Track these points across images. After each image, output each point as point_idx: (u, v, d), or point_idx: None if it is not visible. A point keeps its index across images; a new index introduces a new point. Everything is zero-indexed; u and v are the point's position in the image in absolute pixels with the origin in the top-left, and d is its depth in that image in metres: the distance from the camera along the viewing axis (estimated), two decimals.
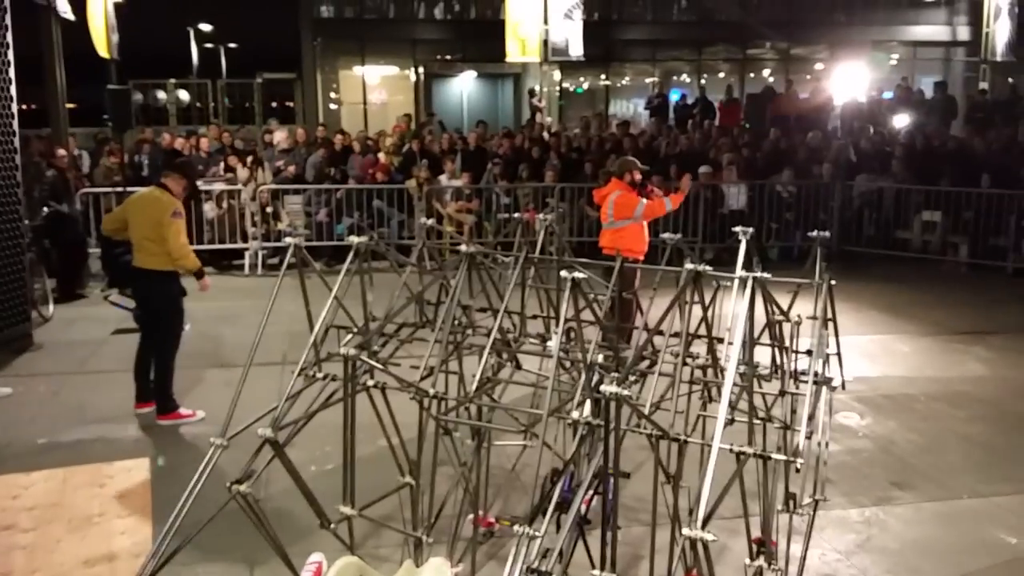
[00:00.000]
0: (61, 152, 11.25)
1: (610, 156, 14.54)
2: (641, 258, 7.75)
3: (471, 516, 4.23)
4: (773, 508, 3.55)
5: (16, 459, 6.06)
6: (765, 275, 3.30)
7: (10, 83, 1.39)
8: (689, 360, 4.02)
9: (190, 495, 3.42)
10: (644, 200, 7.84)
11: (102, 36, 14.40)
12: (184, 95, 24.88)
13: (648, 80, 23.93)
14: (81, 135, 15.93)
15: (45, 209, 10.42)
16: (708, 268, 3.53)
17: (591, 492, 3.86)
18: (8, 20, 1.40)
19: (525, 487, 5.23)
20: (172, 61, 26.70)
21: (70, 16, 12.38)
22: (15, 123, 1.40)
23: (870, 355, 8.61)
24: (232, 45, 31.86)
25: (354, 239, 3.96)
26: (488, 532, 4.68)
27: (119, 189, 11.77)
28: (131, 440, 6.50)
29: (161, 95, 24.44)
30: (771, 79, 22.70)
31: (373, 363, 3.72)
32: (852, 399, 7.26)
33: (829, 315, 4.17)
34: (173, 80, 24.71)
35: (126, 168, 11.98)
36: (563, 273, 3.08)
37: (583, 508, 3.81)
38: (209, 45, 31.59)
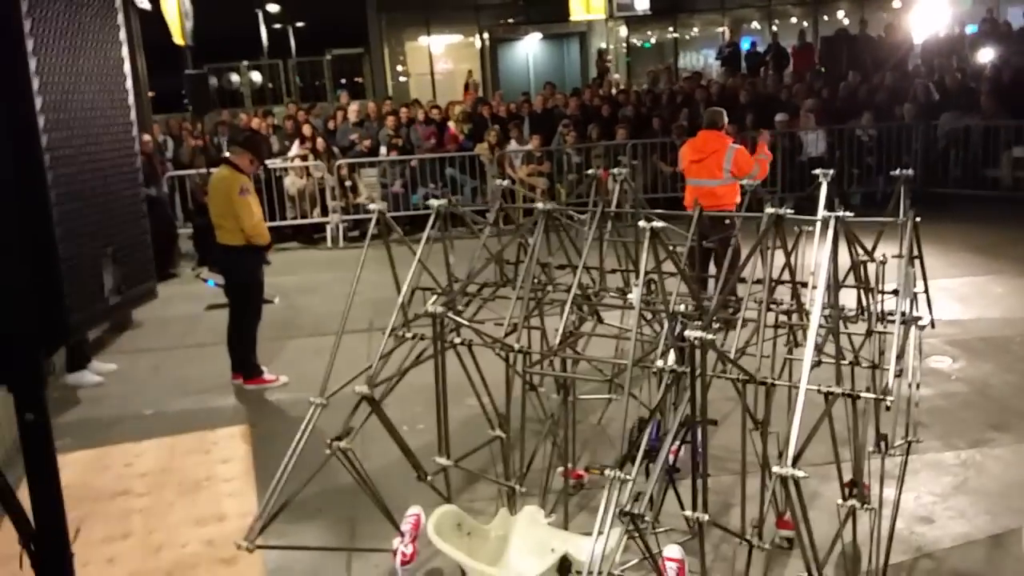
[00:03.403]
0: (147, 138, 11.68)
1: (681, 109, 14.33)
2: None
3: (560, 469, 4.33)
4: (864, 450, 3.53)
5: (127, 430, 6.41)
6: (847, 214, 3.25)
7: (125, 78, 1.51)
8: (773, 306, 4.00)
9: (293, 454, 3.59)
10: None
11: (176, 24, 14.74)
12: (256, 76, 25.35)
13: (718, 30, 23.34)
14: (162, 121, 16.44)
15: None
16: (789, 211, 3.50)
17: (678, 441, 3.90)
18: (121, 18, 1.51)
19: (612, 440, 5.30)
20: (243, 43, 27.18)
21: (147, 6, 12.74)
22: (131, 99, 1.51)
23: (962, 298, 8.36)
24: (300, 24, 32.25)
25: (434, 203, 4.05)
26: (578, 484, 4.77)
27: (203, 171, 12.17)
28: (230, 408, 6.82)
29: (235, 78, 24.97)
30: (846, 21, 21.90)
31: (460, 320, 3.82)
32: (944, 343, 7.08)
33: (915, 253, 4.08)
34: (245, 62, 25.18)
35: (209, 150, 12.35)
36: (641, 223, 3.10)
37: (671, 458, 3.86)
38: (278, 25, 32.04)
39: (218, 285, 8.78)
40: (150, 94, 13.71)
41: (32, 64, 1.45)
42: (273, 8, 31.33)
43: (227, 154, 7.05)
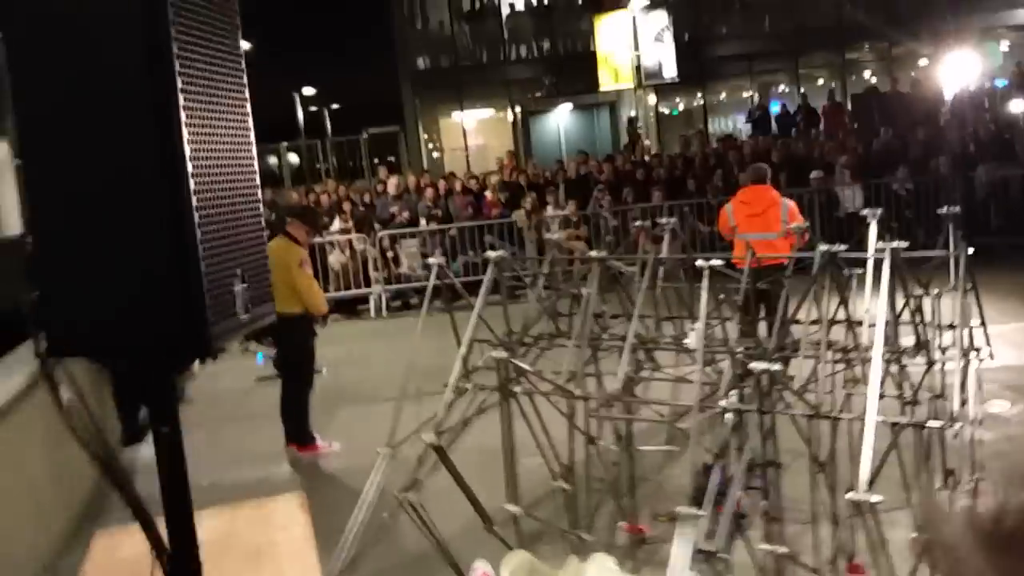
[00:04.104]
0: None
1: (715, 171, 14.49)
2: None
3: (622, 524, 4.32)
4: (932, 485, 3.50)
5: None
6: (900, 244, 3.30)
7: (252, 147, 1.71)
8: (830, 345, 4.01)
9: (363, 504, 3.64)
10: None
11: None
12: (294, 158, 26.08)
13: (745, 95, 23.69)
14: None
15: None
16: (842, 247, 3.56)
17: (745, 487, 3.89)
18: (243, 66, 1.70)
19: (672, 496, 5.27)
20: (280, 126, 28.07)
21: None
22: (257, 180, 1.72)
23: (1016, 344, 8.25)
24: (335, 106, 33.26)
25: (491, 254, 4.17)
26: (640, 539, 4.74)
27: None
28: (285, 476, 6.87)
29: (272, 160, 25.71)
30: (873, 80, 22.13)
31: (523, 365, 3.89)
32: (1002, 387, 6.97)
33: (969, 285, 4.10)
34: (284, 144, 25.94)
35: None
36: (699, 262, 3.18)
37: (739, 503, 3.84)
38: (313, 108, 33.06)
39: (267, 358, 8.95)
40: None
41: (181, 99, 1.62)
42: (309, 91, 32.44)
43: (287, 227, 7.30)
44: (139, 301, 1.67)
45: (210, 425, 8.39)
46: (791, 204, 7.65)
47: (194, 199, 1.62)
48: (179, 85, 1.60)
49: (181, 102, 1.59)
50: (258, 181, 1.99)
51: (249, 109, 1.96)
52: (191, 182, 1.61)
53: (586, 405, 3.82)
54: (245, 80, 1.98)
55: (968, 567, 0.48)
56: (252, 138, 1.98)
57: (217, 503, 6.38)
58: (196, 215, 1.63)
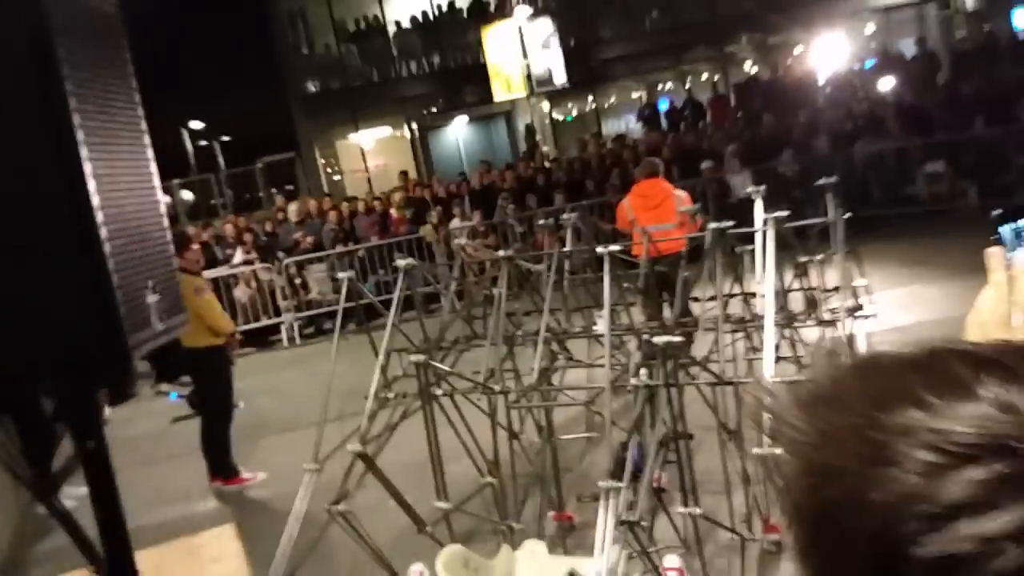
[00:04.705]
0: None
1: (612, 170, 14.88)
2: None
3: (551, 513, 4.46)
4: None
5: None
6: (781, 214, 3.54)
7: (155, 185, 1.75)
8: (728, 318, 4.24)
9: (292, 521, 3.67)
10: None
11: None
12: (188, 194, 25.47)
13: (635, 95, 24.33)
14: None
15: None
16: (729, 223, 3.78)
17: (661, 460, 4.07)
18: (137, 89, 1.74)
19: (595, 482, 5.43)
20: (171, 163, 27.42)
21: None
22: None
23: (902, 306, 8.77)
24: (226, 138, 32.63)
25: (401, 262, 4.25)
26: (569, 526, 4.88)
27: None
28: (213, 511, 6.77)
29: (166, 198, 25.07)
30: (754, 69, 23.04)
31: (441, 367, 3.98)
32: (894, 345, 7.39)
33: (849, 250, 4.39)
34: (176, 181, 25.31)
35: None
36: (599, 249, 3.34)
37: (656, 477, 4.02)
38: (204, 142, 32.37)
39: (180, 397, 8.78)
40: None
41: (76, 118, 1.68)
42: (197, 125, 31.74)
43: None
44: (52, 318, 1.70)
45: (128, 470, 8.06)
46: (683, 194, 7.96)
47: (99, 215, 1.67)
48: (77, 119, 1.66)
49: (80, 134, 1.65)
50: (161, 198, 2.04)
51: (145, 128, 2.01)
52: (95, 199, 1.66)
53: (506, 400, 3.94)
54: (139, 104, 2.03)
55: (787, 425, 0.60)
56: (151, 158, 2.03)
57: (145, 545, 6.27)
58: (103, 230, 1.67)
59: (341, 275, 4.18)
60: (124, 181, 1.87)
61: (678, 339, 2.98)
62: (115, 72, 1.92)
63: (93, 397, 1.92)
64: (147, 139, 2.02)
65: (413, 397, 3.94)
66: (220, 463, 7.12)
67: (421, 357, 3.60)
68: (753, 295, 4.34)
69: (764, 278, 3.68)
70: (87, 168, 1.68)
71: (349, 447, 3.61)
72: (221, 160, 31.70)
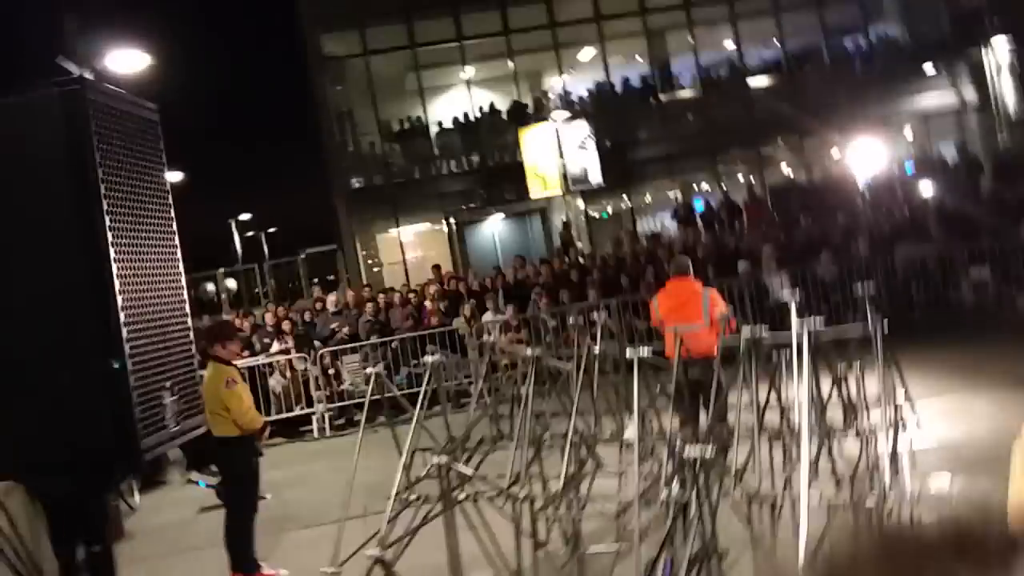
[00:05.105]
0: None
1: (646, 268, 14.88)
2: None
3: None
4: None
5: None
6: (818, 323, 3.44)
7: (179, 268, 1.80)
8: (764, 429, 4.10)
9: None
10: None
11: None
12: (231, 283, 25.97)
13: (670, 194, 24.53)
14: None
15: None
16: (765, 334, 3.69)
17: None
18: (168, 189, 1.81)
19: None
20: (217, 253, 28.09)
21: None
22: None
23: (947, 417, 8.43)
24: (272, 229, 33.46)
25: (428, 358, 4.20)
26: None
27: None
28: None
29: (211, 287, 25.56)
30: (789, 171, 23.17)
31: (464, 469, 3.88)
32: (939, 461, 7.08)
33: (891, 361, 4.25)
34: (221, 269, 25.85)
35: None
36: (628, 352, 3.27)
37: None
38: (250, 233, 33.20)
39: (209, 486, 8.70)
40: None
41: (108, 221, 1.70)
42: (245, 217, 32.63)
43: (210, 352, 7.27)
44: (68, 418, 1.69)
45: (151, 560, 8.04)
46: (712, 293, 7.80)
47: (122, 315, 1.68)
48: (107, 222, 1.70)
49: (109, 236, 1.69)
50: (186, 299, 2.06)
51: (175, 233, 2.05)
52: (119, 299, 1.68)
53: (531, 507, 3.81)
54: (171, 208, 2.08)
55: None
56: (179, 260, 2.06)
57: None
58: (124, 331, 1.68)
59: (370, 370, 4.14)
60: (150, 283, 1.89)
61: (711, 450, 2.86)
62: (149, 176, 1.97)
63: (104, 500, 1.88)
64: (176, 240, 2.06)
65: (436, 500, 3.83)
66: (242, 557, 6.97)
67: (443, 459, 3.51)
68: (789, 406, 4.21)
69: (800, 387, 3.56)
70: (113, 269, 1.71)
71: (368, 552, 3.50)
72: (266, 250, 32.39)
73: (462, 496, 4.04)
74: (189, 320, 2.08)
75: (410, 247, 24.07)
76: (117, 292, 1.73)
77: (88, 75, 10.17)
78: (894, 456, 3.63)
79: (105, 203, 1.73)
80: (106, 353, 1.71)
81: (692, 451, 2.90)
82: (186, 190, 23.73)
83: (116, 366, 1.70)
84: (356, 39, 22.62)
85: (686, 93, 24.51)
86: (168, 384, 1.89)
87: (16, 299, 1.77)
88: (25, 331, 1.75)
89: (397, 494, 3.96)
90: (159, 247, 1.99)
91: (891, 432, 3.70)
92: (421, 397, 4.05)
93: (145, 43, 11.19)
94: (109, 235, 1.72)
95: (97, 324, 1.74)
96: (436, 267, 18.18)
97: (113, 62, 10.77)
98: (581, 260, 16.86)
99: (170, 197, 2.09)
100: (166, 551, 8.34)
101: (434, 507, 3.85)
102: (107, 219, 1.73)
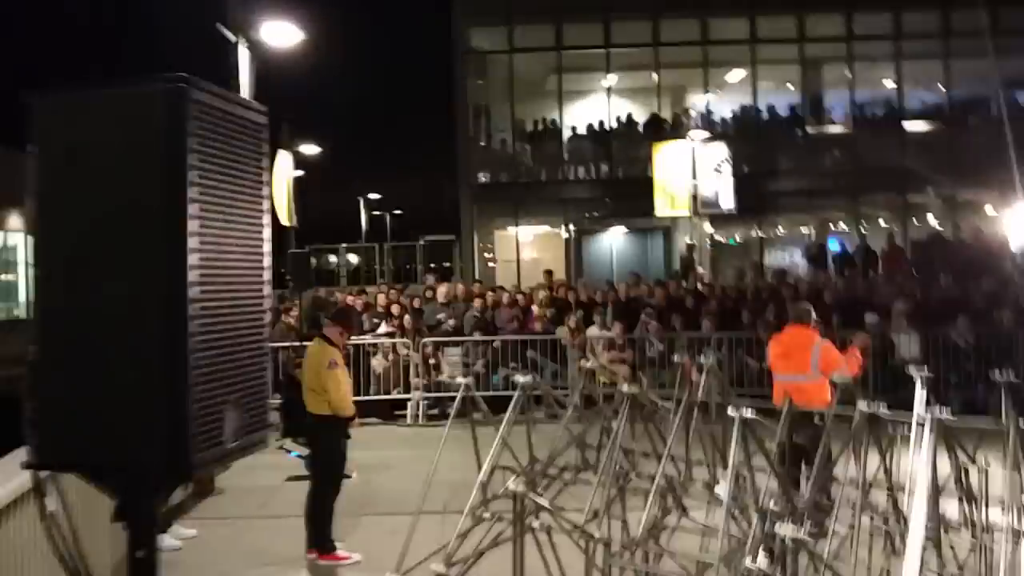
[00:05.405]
0: None
1: (767, 305, 14.32)
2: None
3: None
4: None
5: None
6: (947, 416, 3.13)
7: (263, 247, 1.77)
8: (868, 510, 3.79)
9: None
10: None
11: (284, 207, 15.92)
12: (353, 258, 26.72)
13: (804, 230, 23.67)
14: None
15: None
16: (884, 409, 3.40)
17: None
18: (267, 192, 1.79)
19: None
20: (343, 227, 28.95)
21: None
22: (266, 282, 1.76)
23: None
24: (397, 211, 34.25)
25: (519, 378, 4.09)
26: None
27: (295, 343, 12.59)
28: None
29: (332, 258, 26.35)
30: (936, 225, 21.95)
31: (541, 502, 3.74)
32: None
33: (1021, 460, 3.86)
34: (344, 244, 26.62)
35: (303, 325, 12.85)
36: (730, 411, 3.05)
37: None
38: (377, 212, 34.07)
39: (300, 457, 8.87)
40: None
41: (192, 226, 1.67)
42: (374, 196, 33.50)
43: (324, 329, 7.41)
44: (126, 425, 1.67)
45: (234, 520, 8.29)
46: (825, 347, 7.42)
47: (192, 325, 1.65)
48: (190, 227, 1.67)
49: (190, 242, 1.66)
50: (267, 310, 2.02)
51: (266, 241, 2.02)
52: (191, 308, 1.65)
53: (606, 549, 3.64)
54: (266, 214, 2.05)
55: None
56: (266, 270, 2.03)
57: None
58: (191, 341, 1.65)
59: (460, 380, 4.05)
60: (229, 294, 1.86)
61: (803, 535, 2.62)
62: (245, 180, 1.94)
63: (152, 508, 1.84)
64: (266, 248, 2.01)
65: (509, 522, 3.71)
66: (320, 535, 7.06)
67: (520, 487, 3.39)
68: (901, 489, 3.88)
69: (916, 475, 3.25)
70: (190, 277, 1.67)
71: (432, 567, 3.41)
72: (389, 231, 33.18)
73: (535, 524, 3.90)
74: (267, 332, 2.04)
75: (526, 248, 24.11)
76: (190, 301, 1.70)
77: (243, 44, 10.48)
78: (1013, 567, 3.27)
79: (191, 207, 1.70)
80: (171, 361, 1.67)
81: (785, 529, 2.66)
82: (323, 164, 24.55)
83: (178, 376, 1.65)
84: (503, 35, 22.76)
85: (836, 128, 23.61)
86: (233, 398, 1.83)
87: (92, 299, 1.77)
88: (95, 333, 1.73)
89: (471, 509, 3.86)
90: (245, 256, 1.96)
91: (1012, 538, 3.34)
92: (507, 416, 3.93)
93: (300, 18, 11.43)
94: (190, 240, 1.68)
95: (167, 330, 1.71)
96: (548, 272, 18.08)
97: (268, 34, 11.05)
98: (700, 286, 16.40)
99: (267, 203, 2.06)
100: (250, 513, 8.56)
101: (506, 530, 3.73)
102: (191, 224, 1.70)
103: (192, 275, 1.72)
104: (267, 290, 2.03)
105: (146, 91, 1.76)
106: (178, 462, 1.71)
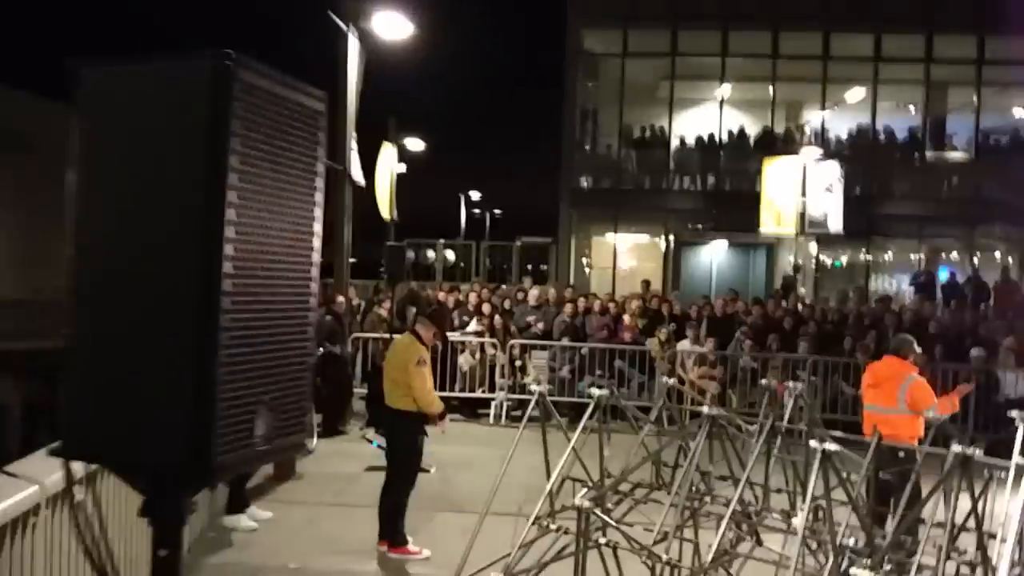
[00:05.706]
0: (340, 299, 12.50)
1: (869, 331, 13.80)
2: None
3: None
4: None
5: None
6: None
7: (313, 237, 1.72)
8: (954, 555, 3.60)
9: None
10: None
11: (386, 200, 16.25)
12: (450, 254, 27.03)
13: (913, 256, 22.71)
14: (359, 286, 17.67)
15: (320, 349, 11.53)
16: (978, 453, 3.21)
17: None
18: (320, 183, 1.75)
19: None
20: (442, 223, 29.32)
21: (361, 183, 14.05)
22: (314, 270, 1.72)
23: None
24: (497, 211, 34.49)
25: (595, 391, 4.04)
26: None
27: (386, 335, 12.80)
28: (371, 574, 6.79)
29: (430, 254, 26.72)
30: None
31: (607, 519, 3.69)
32: None
33: None
34: (442, 240, 26.98)
35: (393, 317, 13.05)
36: (812, 443, 2.94)
37: None
38: (476, 210, 34.39)
39: (381, 448, 9.01)
40: (352, 260, 14.84)
41: (230, 213, 1.66)
42: (475, 195, 33.85)
43: (415, 326, 7.48)
44: (150, 421, 1.66)
45: (312, 507, 8.48)
46: (916, 384, 7.11)
47: (223, 318, 1.62)
48: (227, 216, 1.63)
49: (228, 232, 1.63)
50: (313, 307, 1.95)
51: (316, 235, 1.96)
52: (225, 302, 1.63)
53: (674, 572, 3.56)
54: (318, 206, 1.98)
55: None
56: (314, 265, 1.96)
57: None
58: (221, 336, 1.62)
59: (534, 387, 4.03)
60: (270, 287, 1.79)
61: (883, 573, 2.50)
62: (296, 165, 1.88)
63: (176, 507, 1.82)
64: (315, 242, 1.95)
65: (574, 535, 3.67)
66: (391, 528, 7.15)
67: (587, 502, 3.34)
68: (992, 536, 3.66)
69: (1007, 524, 3.06)
70: (225, 268, 1.63)
71: (492, 574, 3.40)
72: (487, 230, 33.47)
73: (602, 540, 3.85)
74: (311, 330, 1.97)
75: (623, 256, 23.88)
76: (223, 293, 1.65)
77: (353, 34, 10.57)
78: None
79: (230, 195, 1.65)
80: (198, 356, 1.64)
81: (859, 571, 2.54)
82: (427, 159, 24.92)
83: (206, 373, 1.63)
84: (617, 38, 22.55)
85: (957, 155, 22.57)
86: (268, 398, 1.80)
87: (126, 292, 1.73)
88: (128, 326, 1.71)
89: (536, 518, 3.83)
90: (291, 250, 1.88)
91: None
92: (579, 429, 3.89)
93: (411, 11, 11.47)
94: (227, 230, 1.64)
95: (196, 323, 1.66)
96: (646, 282, 17.88)
97: (379, 25, 11.16)
98: (800, 308, 15.91)
99: (319, 194, 1.99)
100: (328, 500, 8.74)
101: (571, 543, 3.69)
102: (228, 212, 1.65)
103: (227, 266, 1.65)
104: (314, 287, 1.95)
105: (190, 66, 1.69)
106: (200, 463, 1.67)
